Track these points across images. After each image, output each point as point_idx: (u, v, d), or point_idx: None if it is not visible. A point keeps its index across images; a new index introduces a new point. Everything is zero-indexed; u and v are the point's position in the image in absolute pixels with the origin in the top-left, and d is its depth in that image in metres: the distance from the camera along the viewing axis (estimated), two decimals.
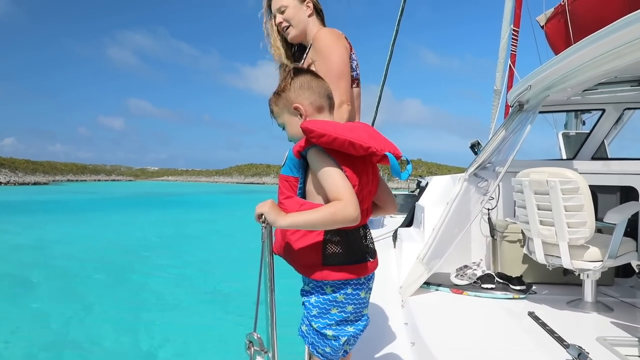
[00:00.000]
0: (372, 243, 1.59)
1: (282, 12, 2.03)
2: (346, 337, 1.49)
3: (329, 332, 1.47)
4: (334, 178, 1.38)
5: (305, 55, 2.06)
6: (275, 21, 2.06)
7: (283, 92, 1.56)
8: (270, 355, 1.16)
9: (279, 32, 2.09)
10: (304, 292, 1.53)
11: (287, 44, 2.12)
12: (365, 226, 1.57)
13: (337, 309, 1.47)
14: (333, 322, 1.47)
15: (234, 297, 8.86)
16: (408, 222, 4.90)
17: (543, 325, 2.33)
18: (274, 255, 1.49)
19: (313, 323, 1.47)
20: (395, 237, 4.75)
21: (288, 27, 2.04)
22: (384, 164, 1.49)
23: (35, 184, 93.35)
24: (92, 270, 10.93)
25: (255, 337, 1.15)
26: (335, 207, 1.33)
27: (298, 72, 1.58)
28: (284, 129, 1.62)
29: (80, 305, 8.03)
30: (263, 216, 1.34)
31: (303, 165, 1.44)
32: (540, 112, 3.42)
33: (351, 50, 1.95)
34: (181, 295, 8.92)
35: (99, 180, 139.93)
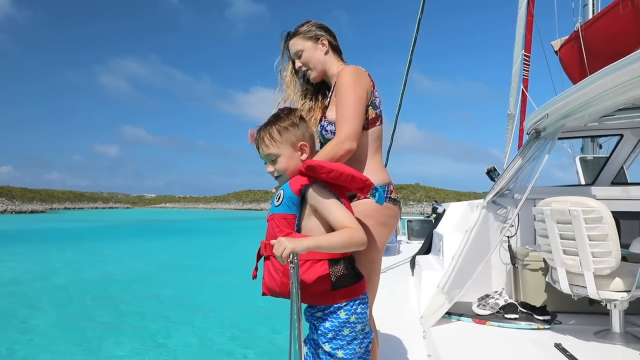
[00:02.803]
0: (357, 268, 1.72)
1: (300, 57, 2.08)
2: (350, 358, 1.58)
3: (340, 353, 1.56)
4: (340, 210, 1.56)
5: (330, 94, 2.09)
6: (295, 66, 2.12)
7: (293, 127, 1.67)
8: None
9: (296, 73, 2.14)
10: (316, 319, 1.61)
11: (310, 84, 2.16)
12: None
13: (349, 329, 1.57)
14: (345, 342, 1.57)
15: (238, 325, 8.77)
16: (426, 249, 4.86)
17: (571, 357, 2.28)
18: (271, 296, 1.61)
19: (326, 345, 1.57)
20: (413, 264, 4.71)
21: (307, 69, 2.09)
22: (363, 194, 1.70)
23: (32, 212, 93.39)
24: (90, 301, 10.80)
25: None
26: (351, 232, 1.51)
27: (300, 115, 1.74)
28: (273, 160, 1.68)
29: (79, 337, 7.89)
30: (291, 255, 1.37)
31: (300, 203, 1.57)
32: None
33: (374, 88, 1.98)
34: (181, 324, 8.81)
35: (97, 207, 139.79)
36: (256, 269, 1.64)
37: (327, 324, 1.57)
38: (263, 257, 1.63)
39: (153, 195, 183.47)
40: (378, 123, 1.99)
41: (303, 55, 2.07)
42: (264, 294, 1.64)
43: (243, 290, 11.86)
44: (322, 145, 1.95)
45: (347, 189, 1.64)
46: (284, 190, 1.58)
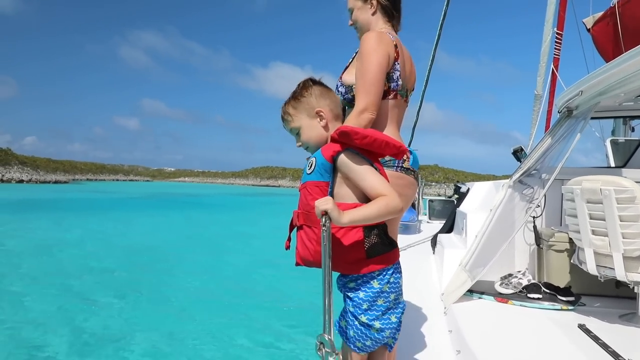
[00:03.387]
0: (390, 236, 1.71)
1: (351, 14, 2.10)
2: (390, 330, 1.59)
3: (377, 324, 1.56)
4: (374, 177, 1.52)
5: (353, 56, 2.07)
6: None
7: (303, 97, 1.67)
8: (340, 357, 1.18)
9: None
10: (349, 289, 1.61)
11: None
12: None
13: (383, 299, 1.57)
14: (380, 312, 1.57)
15: (261, 297, 8.94)
16: (448, 228, 4.84)
17: (595, 338, 2.26)
18: (309, 262, 1.58)
19: (363, 317, 1.56)
20: (434, 243, 4.70)
21: (355, 27, 2.11)
22: (397, 158, 1.71)
23: (56, 182, 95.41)
24: (119, 268, 11.16)
25: (327, 339, 1.19)
26: (386, 200, 1.48)
27: (315, 81, 1.70)
28: (297, 133, 1.70)
29: (104, 301, 8.23)
30: (325, 216, 1.37)
31: (332, 170, 1.54)
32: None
33: (396, 60, 1.91)
34: (206, 295, 9.00)
35: (117, 179, 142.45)
36: (289, 239, 1.63)
37: (361, 294, 1.56)
38: (296, 228, 1.62)
39: (172, 169, 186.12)
40: (391, 97, 1.93)
41: (353, 13, 2.09)
42: (297, 264, 1.63)
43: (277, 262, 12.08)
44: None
45: (380, 155, 1.60)
46: (316, 157, 1.56)
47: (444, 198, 6.98)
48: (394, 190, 1.52)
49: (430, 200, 6.78)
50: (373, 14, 2.04)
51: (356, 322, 1.57)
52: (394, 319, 1.59)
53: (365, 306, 1.56)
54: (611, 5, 4.73)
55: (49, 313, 7.54)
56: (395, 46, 1.91)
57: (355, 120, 1.76)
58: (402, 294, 1.65)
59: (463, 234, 3.92)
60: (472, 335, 2.37)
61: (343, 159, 1.52)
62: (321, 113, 1.65)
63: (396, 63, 1.91)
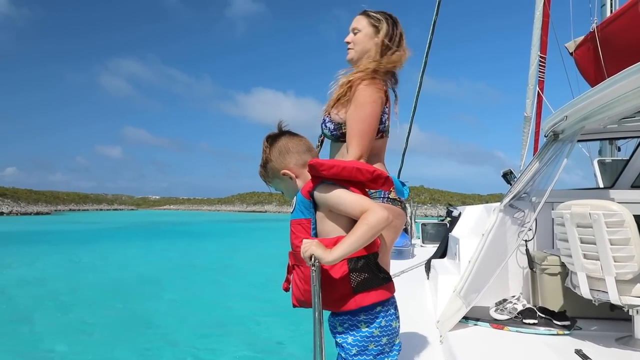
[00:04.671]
0: (384, 271, 1.66)
1: (354, 33, 2.13)
2: None
3: None
4: (350, 197, 1.49)
5: (335, 84, 2.10)
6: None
7: (267, 164, 1.69)
8: None
9: None
10: (338, 333, 1.57)
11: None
12: (376, 254, 1.62)
13: (374, 344, 1.52)
14: (371, 357, 1.51)
15: (250, 327, 8.78)
16: (442, 253, 4.83)
17: None
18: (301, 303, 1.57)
19: None
20: (428, 267, 4.68)
21: (351, 47, 2.15)
22: (384, 189, 1.66)
23: (37, 213, 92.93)
24: (100, 303, 10.77)
25: None
26: (368, 218, 1.42)
27: (273, 139, 1.69)
28: (282, 192, 1.73)
29: (84, 341, 7.84)
30: (313, 257, 1.36)
31: (312, 206, 1.53)
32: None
33: (386, 104, 2.01)
34: (193, 327, 8.82)
35: (101, 209, 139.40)
36: (287, 280, 1.61)
37: (350, 339, 1.52)
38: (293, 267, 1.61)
39: (157, 197, 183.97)
40: (378, 136, 2.02)
41: (357, 35, 2.13)
42: (294, 305, 1.60)
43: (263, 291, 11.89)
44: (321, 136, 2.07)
45: (361, 185, 1.59)
46: (297, 195, 1.58)
47: (436, 221, 6.99)
48: (373, 203, 1.49)
49: (423, 224, 6.77)
50: (375, 45, 2.10)
51: None
52: None
53: (354, 351, 1.51)
54: (591, 31, 4.86)
55: (51, 342, 7.36)
56: (385, 92, 2.02)
57: None
58: (397, 335, 1.60)
59: (456, 259, 3.91)
60: None
61: (319, 191, 1.52)
62: (286, 173, 1.64)
63: (385, 107, 2.01)
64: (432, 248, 5.91)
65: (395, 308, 1.61)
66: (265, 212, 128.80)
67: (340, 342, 1.55)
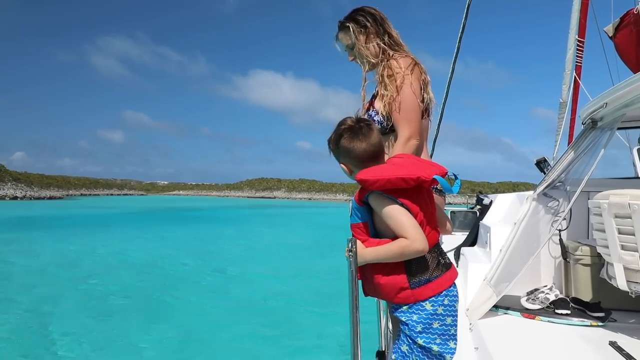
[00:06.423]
0: (447, 257, 1.74)
1: (352, 49, 2.16)
2: (450, 356, 1.60)
3: (435, 348, 1.58)
4: (397, 217, 1.56)
5: (377, 87, 2.10)
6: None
7: (335, 149, 1.78)
8: None
9: None
10: (403, 313, 1.63)
11: None
12: (437, 244, 1.71)
13: (438, 322, 1.59)
14: (436, 335, 1.59)
15: (276, 311, 8.94)
16: (471, 241, 4.78)
17: (628, 357, 2.20)
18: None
19: (418, 339, 1.58)
20: (457, 255, 4.65)
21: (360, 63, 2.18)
22: (435, 184, 1.67)
23: (50, 198, 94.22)
24: (124, 290, 10.93)
25: None
26: (403, 244, 1.52)
27: (348, 139, 1.71)
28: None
29: (108, 325, 8.04)
30: (349, 244, 1.46)
31: (368, 210, 1.63)
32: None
33: (426, 81, 1.99)
34: (216, 312, 9.01)
35: (112, 194, 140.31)
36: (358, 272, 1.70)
37: (415, 317, 1.59)
38: None
39: (165, 183, 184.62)
40: (423, 118, 2.03)
41: (356, 47, 2.20)
42: (366, 294, 1.72)
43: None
44: None
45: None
46: (352, 201, 1.69)
47: (466, 209, 6.90)
48: (418, 232, 1.54)
49: (452, 212, 6.69)
50: (376, 43, 2.11)
51: (415, 345, 1.60)
52: (452, 345, 1.62)
53: (419, 328, 1.58)
54: (635, 13, 4.66)
55: (76, 326, 7.68)
56: (421, 69, 2.02)
57: (402, 149, 1.87)
58: (457, 317, 1.66)
59: (487, 248, 3.87)
60: (499, 352, 2.33)
61: (370, 201, 1.62)
62: (342, 167, 1.76)
63: (427, 85, 2.02)
64: (461, 236, 5.85)
65: (457, 292, 1.69)
66: (275, 198, 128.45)
67: (405, 320, 1.62)
